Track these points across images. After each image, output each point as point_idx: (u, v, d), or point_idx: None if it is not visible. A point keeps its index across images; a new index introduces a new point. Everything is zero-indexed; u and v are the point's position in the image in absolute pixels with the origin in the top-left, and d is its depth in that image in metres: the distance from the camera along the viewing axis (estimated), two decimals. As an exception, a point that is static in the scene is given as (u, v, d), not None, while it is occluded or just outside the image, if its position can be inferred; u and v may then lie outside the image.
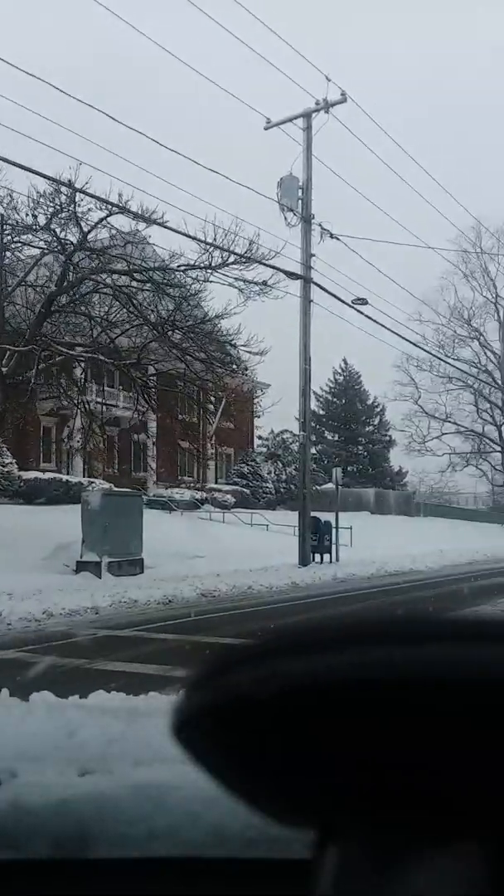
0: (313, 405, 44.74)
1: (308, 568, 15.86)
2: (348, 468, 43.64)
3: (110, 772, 0.73)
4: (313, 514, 17.73)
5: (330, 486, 37.02)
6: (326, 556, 17.40)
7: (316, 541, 17.10)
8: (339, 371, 45.04)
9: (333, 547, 17.67)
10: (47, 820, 0.65)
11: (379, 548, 20.01)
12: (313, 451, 42.18)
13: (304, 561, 16.39)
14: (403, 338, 21.52)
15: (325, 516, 17.83)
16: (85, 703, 1.29)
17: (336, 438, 44.05)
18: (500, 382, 36.60)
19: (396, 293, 34.21)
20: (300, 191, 16.55)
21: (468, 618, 0.32)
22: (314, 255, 16.42)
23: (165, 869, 0.62)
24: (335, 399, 44.70)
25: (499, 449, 37.90)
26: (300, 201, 16.52)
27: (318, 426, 44.07)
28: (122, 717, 1.04)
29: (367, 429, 44.67)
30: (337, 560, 17.43)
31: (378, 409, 44.17)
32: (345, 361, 45.06)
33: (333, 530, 17.66)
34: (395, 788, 0.32)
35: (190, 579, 12.75)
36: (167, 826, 0.63)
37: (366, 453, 44.53)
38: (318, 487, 33.53)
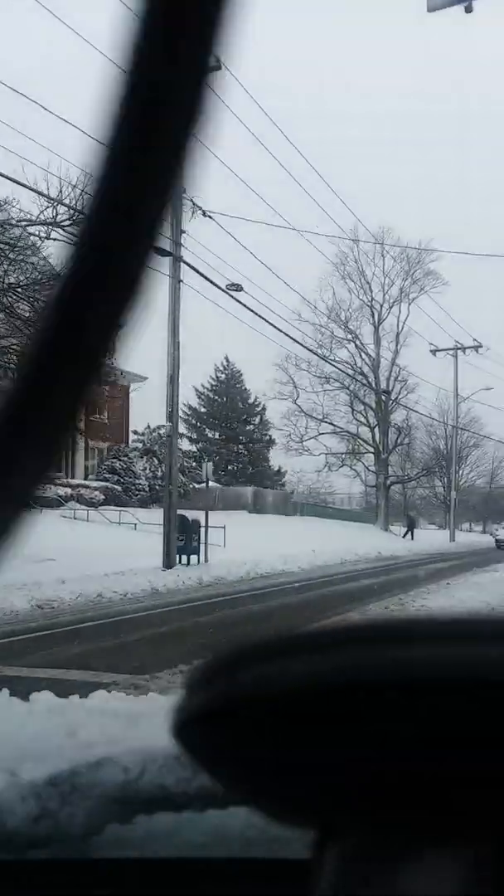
0: (195, 402, 43.75)
1: (172, 571, 14.25)
2: (229, 467, 42.60)
3: None
4: (183, 512, 16.23)
5: (209, 484, 35.84)
6: (194, 558, 15.87)
7: (183, 541, 15.53)
8: (221, 369, 43.90)
9: (202, 547, 16.18)
10: (47, 820, 0.63)
11: (253, 548, 18.81)
12: (194, 448, 41.09)
13: (168, 563, 14.77)
14: (282, 332, 20.44)
15: (200, 515, 16.38)
16: (85, 704, 1.24)
17: (217, 436, 42.86)
18: (374, 385, 36.65)
19: (281, 291, 33.52)
20: (171, 162, 14.95)
21: (471, 617, 0.31)
22: (185, 232, 14.87)
23: (165, 869, 0.61)
24: (217, 397, 43.48)
25: (372, 450, 38.02)
26: (171, 173, 14.91)
27: (199, 424, 42.67)
28: (123, 718, 1.02)
29: (247, 427, 43.79)
30: (206, 561, 15.95)
31: (259, 409, 43.40)
32: (226, 359, 43.96)
33: (202, 529, 16.17)
34: (395, 788, 0.32)
35: (29, 587, 10.77)
36: (167, 826, 0.62)
37: (246, 452, 43.65)
38: (196, 486, 32.10)
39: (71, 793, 0.64)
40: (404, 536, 36.27)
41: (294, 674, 0.31)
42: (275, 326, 19.02)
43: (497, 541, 31.49)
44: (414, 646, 0.30)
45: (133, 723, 0.98)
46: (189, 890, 0.60)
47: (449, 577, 14.77)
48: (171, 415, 15.07)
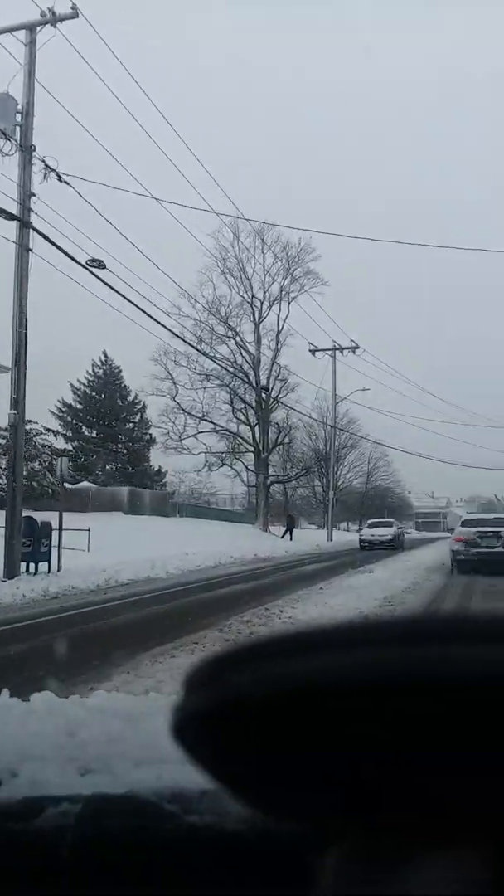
0: (70, 398, 40.94)
1: (13, 582, 12.15)
2: (107, 466, 40.14)
3: (110, 771, 0.72)
4: (40, 513, 14.17)
5: (84, 484, 33.26)
6: (44, 565, 13.80)
7: (30, 547, 13.43)
8: (99, 364, 41.38)
9: (55, 552, 14.14)
10: (47, 819, 0.63)
11: (122, 552, 16.98)
12: (69, 447, 38.28)
13: (10, 572, 12.63)
14: (155, 319, 18.69)
15: (72, 517, 14.35)
16: (85, 703, 1.20)
17: (94, 435, 40.31)
18: (254, 383, 35.60)
19: (163, 284, 31.67)
20: (19, 115, 12.88)
21: (471, 617, 0.31)
22: (35, 195, 12.83)
23: (166, 869, 0.60)
24: (94, 393, 40.89)
25: (252, 449, 37.00)
26: (18, 128, 12.84)
27: (75, 421, 39.89)
28: (123, 717, 1.00)
29: (127, 426, 41.56)
30: (58, 570, 13.92)
31: (139, 406, 41.28)
32: (105, 354, 41.51)
33: (55, 533, 14.13)
34: (383, 792, 0.32)
35: None
36: (167, 826, 0.61)
37: (125, 451, 41.42)
38: (69, 486, 29.57)
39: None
40: (283, 536, 35.52)
41: (293, 675, 0.31)
42: (145, 312, 17.26)
43: (361, 541, 28.86)
44: (415, 646, 0.30)
45: (133, 723, 0.95)
46: (189, 890, 0.59)
47: (323, 580, 13.69)
48: (17, 402, 12.95)
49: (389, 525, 30.52)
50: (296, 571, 16.88)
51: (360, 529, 33.63)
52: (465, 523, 16.68)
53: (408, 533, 58.73)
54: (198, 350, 31.58)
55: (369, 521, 32.75)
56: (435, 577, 14.82)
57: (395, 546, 27.32)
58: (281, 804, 0.35)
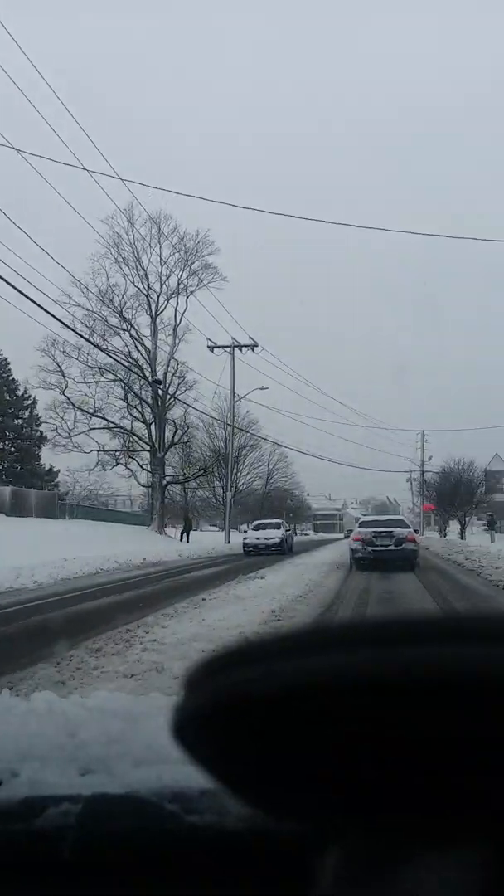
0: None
1: None
2: (-7, 466, 36.90)
3: (111, 772, 0.72)
4: None
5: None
6: None
7: None
8: (-16, 356, 37.93)
9: None
10: (48, 820, 0.62)
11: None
12: None
13: None
14: (36, 303, 16.45)
15: None
16: (86, 703, 1.20)
17: (-22, 431, 36.87)
18: (150, 379, 33.51)
19: (52, 269, 29.08)
20: None
21: (467, 617, 0.31)
22: None
23: (165, 868, 0.59)
24: (-22, 387, 37.45)
25: (148, 448, 34.88)
26: None
27: (-44, 417, 36.33)
28: (123, 717, 1.00)
29: (15, 422, 38.33)
30: None
31: (29, 402, 38.15)
32: (-10, 345, 38.10)
33: None
34: (380, 792, 0.32)
35: None
36: (167, 826, 0.61)
37: (13, 449, 38.21)
38: None
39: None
40: (181, 539, 33.71)
41: (293, 675, 0.31)
42: (19, 291, 15.02)
43: (245, 545, 24.33)
44: (415, 647, 0.29)
45: (133, 723, 0.95)
46: (189, 890, 0.58)
47: (209, 589, 12.07)
48: None
49: (277, 527, 25.93)
50: (182, 578, 15.17)
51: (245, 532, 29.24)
52: (362, 524, 17.34)
53: (305, 534, 58.28)
54: (89, 341, 29.20)
55: (255, 523, 28.12)
56: (329, 582, 13.56)
57: (283, 550, 23.40)
58: (281, 804, 0.35)
